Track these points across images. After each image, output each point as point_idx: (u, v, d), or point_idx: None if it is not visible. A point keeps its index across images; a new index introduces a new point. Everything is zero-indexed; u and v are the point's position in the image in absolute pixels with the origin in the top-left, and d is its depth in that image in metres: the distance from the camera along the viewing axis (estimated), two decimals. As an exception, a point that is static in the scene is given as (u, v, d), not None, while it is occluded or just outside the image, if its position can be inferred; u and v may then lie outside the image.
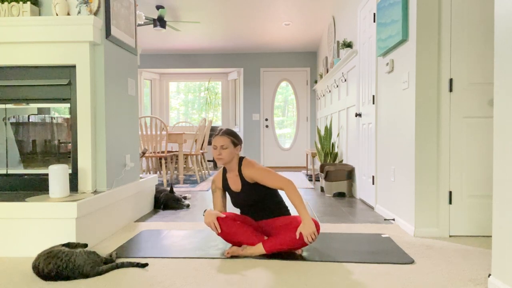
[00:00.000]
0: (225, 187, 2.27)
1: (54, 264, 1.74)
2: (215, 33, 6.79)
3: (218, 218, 2.10)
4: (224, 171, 2.28)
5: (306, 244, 2.05)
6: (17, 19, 2.43)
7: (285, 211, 2.24)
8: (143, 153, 4.88)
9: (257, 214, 2.23)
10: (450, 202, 2.51)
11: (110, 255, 1.97)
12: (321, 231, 2.65)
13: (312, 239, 1.99)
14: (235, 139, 2.17)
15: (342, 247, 2.24)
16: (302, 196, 2.09)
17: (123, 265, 1.90)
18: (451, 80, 2.48)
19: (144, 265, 1.92)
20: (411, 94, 2.58)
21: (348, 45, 4.45)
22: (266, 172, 2.10)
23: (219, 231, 2.10)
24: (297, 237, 2.00)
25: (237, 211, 3.28)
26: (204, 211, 2.18)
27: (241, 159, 2.21)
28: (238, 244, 2.14)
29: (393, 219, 2.94)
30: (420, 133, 2.52)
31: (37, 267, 1.76)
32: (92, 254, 1.85)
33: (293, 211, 3.00)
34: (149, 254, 2.13)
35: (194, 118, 8.56)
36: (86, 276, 1.77)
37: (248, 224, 2.24)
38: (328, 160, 4.89)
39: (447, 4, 2.46)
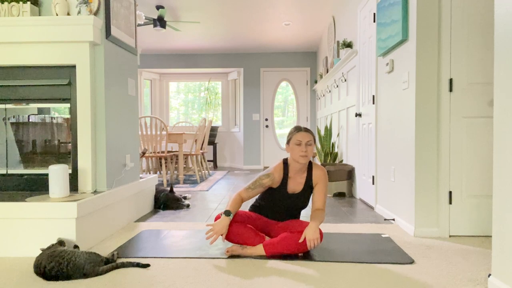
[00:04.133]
0: (282, 185, 2.16)
1: (56, 262, 1.74)
2: (215, 33, 6.79)
3: (231, 221, 2.10)
4: (286, 169, 2.17)
5: (307, 250, 2.08)
6: (17, 19, 2.43)
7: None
8: (143, 153, 4.88)
9: (280, 216, 2.27)
10: (450, 202, 2.51)
11: (112, 255, 1.97)
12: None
13: (314, 245, 2.03)
14: (314, 138, 2.16)
15: (342, 247, 2.24)
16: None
17: (123, 265, 1.90)
18: (451, 80, 2.48)
19: (145, 266, 1.92)
20: (411, 94, 2.58)
21: (348, 45, 4.45)
22: (327, 188, 2.20)
23: (210, 243, 2.07)
24: (301, 240, 2.03)
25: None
26: (229, 215, 2.07)
27: (309, 162, 2.21)
28: (237, 243, 2.15)
29: (393, 219, 2.94)
30: (420, 133, 2.52)
31: (39, 265, 1.77)
32: (93, 254, 1.85)
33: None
34: (149, 254, 2.13)
35: (194, 118, 8.56)
36: (86, 275, 1.77)
37: (251, 222, 2.24)
38: (328, 160, 4.89)
39: (447, 4, 2.46)
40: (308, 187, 2.20)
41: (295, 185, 2.19)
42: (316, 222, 2.06)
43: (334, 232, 2.63)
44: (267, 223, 2.28)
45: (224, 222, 2.07)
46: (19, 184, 2.59)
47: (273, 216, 2.28)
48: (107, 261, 1.90)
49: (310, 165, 2.22)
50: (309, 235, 2.01)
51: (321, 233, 2.10)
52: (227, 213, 2.08)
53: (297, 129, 2.15)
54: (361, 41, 4.00)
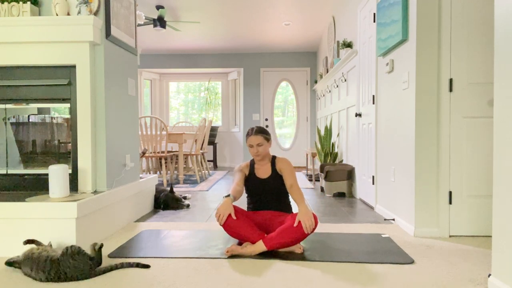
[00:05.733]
0: (251, 174, 2.44)
1: (47, 276, 1.72)
2: (215, 33, 6.79)
3: (230, 215, 2.15)
4: (252, 162, 2.48)
5: (305, 236, 2.09)
6: (17, 19, 2.43)
7: (289, 210, 2.45)
8: (143, 153, 4.88)
9: (268, 204, 2.40)
10: (450, 202, 2.51)
11: (97, 248, 1.86)
12: (321, 231, 2.65)
13: (311, 227, 2.07)
14: (267, 135, 2.41)
15: (342, 247, 2.24)
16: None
17: (123, 266, 1.90)
18: (451, 80, 2.48)
19: (145, 266, 1.91)
20: (411, 94, 2.58)
21: (348, 45, 4.45)
22: (292, 168, 2.41)
23: (221, 224, 2.16)
24: (295, 224, 2.07)
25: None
26: (228, 195, 2.21)
27: (273, 156, 2.47)
28: (239, 237, 2.18)
29: (393, 219, 2.94)
30: (420, 133, 2.52)
31: (31, 276, 1.76)
32: (78, 260, 1.75)
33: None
34: (149, 254, 2.13)
35: (194, 118, 8.55)
36: (82, 279, 1.76)
37: (252, 219, 2.32)
38: (328, 160, 4.89)
39: (447, 4, 2.46)
40: (276, 173, 2.41)
41: (263, 171, 2.43)
42: (302, 203, 2.16)
43: (334, 232, 2.63)
44: (266, 220, 2.33)
45: (227, 202, 2.17)
46: (19, 184, 2.59)
47: (263, 205, 2.40)
48: (91, 258, 1.81)
49: (274, 158, 2.47)
50: (302, 218, 2.08)
51: (315, 217, 2.14)
52: (226, 196, 2.22)
53: (249, 132, 2.39)
54: (361, 41, 4.00)
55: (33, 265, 1.76)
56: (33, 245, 2.01)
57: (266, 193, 2.40)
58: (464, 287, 1.68)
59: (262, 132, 2.39)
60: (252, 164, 2.48)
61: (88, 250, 1.96)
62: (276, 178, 2.40)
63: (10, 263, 1.88)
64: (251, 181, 2.43)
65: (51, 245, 1.99)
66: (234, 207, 2.21)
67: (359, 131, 4.00)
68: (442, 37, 2.48)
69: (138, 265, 1.91)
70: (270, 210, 2.40)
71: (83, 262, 1.77)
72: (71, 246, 1.80)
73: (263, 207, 2.41)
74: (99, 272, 1.81)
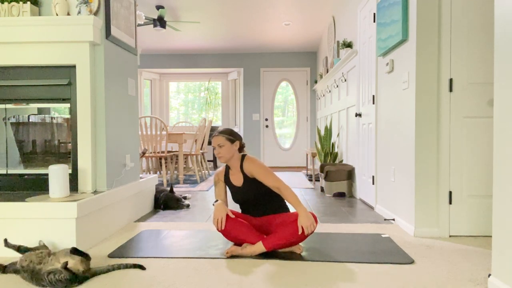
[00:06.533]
0: (227, 181, 2.36)
1: (37, 285, 1.72)
2: (215, 33, 6.79)
3: (227, 216, 2.16)
4: (227, 167, 2.38)
5: (305, 237, 2.08)
6: (17, 19, 2.43)
7: (285, 209, 2.32)
8: (143, 153, 4.88)
9: (257, 210, 2.30)
10: (450, 202, 2.51)
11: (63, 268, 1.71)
12: (321, 231, 2.65)
13: (312, 230, 2.06)
14: (231, 136, 2.26)
15: (342, 247, 2.24)
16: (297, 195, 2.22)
17: (119, 267, 1.89)
18: (451, 80, 2.48)
19: (141, 267, 1.90)
20: (411, 94, 2.58)
21: (348, 45, 4.45)
22: (264, 170, 2.21)
23: (222, 228, 2.15)
24: (300, 231, 2.04)
25: (237, 208, 3.29)
26: (216, 201, 2.25)
27: (243, 156, 2.30)
28: (238, 241, 2.17)
29: (393, 219, 2.94)
30: (420, 133, 2.52)
31: (26, 279, 1.77)
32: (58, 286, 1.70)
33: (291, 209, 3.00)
34: (149, 254, 2.13)
35: (194, 118, 8.55)
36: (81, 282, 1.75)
37: (249, 222, 2.29)
38: (328, 160, 4.89)
39: (447, 4, 2.46)
40: (248, 178, 2.25)
41: (237, 178, 2.31)
42: (299, 205, 2.08)
43: (334, 232, 2.63)
44: (264, 222, 2.30)
45: (219, 205, 2.19)
46: (19, 184, 2.59)
47: (254, 211, 2.32)
48: (71, 279, 1.70)
49: (242, 161, 2.29)
50: (304, 223, 2.04)
51: (314, 217, 2.10)
52: (215, 201, 2.25)
53: (214, 133, 2.29)
54: (361, 41, 4.00)
55: (27, 276, 1.75)
56: (20, 255, 1.97)
57: (249, 201, 2.28)
58: (464, 287, 1.68)
59: (225, 133, 2.24)
60: (227, 169, 2.37)
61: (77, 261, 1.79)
62: (251, 184, 2.24)
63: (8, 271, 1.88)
64: (229, 189, 2.36)
65: (36, 248, 1.95)
66: (231, 211, 2.23)
67: (359, 131, 4.00)
68: (442, 37, 2.48)
69: (135, 266, 1.90)
70: (265, 216, 2.29)
71: (64, 286, 1.71)
72: (48, 274, 1.69)
73: (255, 213, 2.30)
74: (94, 274, 1.80)
